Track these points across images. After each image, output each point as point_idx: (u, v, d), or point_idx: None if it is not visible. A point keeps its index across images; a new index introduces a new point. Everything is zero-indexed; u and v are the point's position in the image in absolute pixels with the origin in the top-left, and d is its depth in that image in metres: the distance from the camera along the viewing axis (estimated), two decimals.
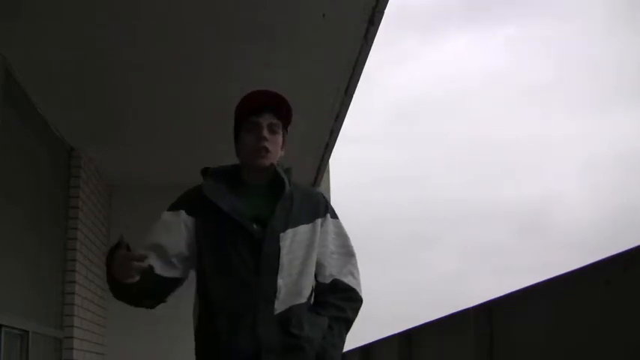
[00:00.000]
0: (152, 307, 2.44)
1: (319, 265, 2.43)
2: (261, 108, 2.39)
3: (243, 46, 4.67)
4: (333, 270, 2.44)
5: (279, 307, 2.29)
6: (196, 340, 2.38)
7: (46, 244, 5.79)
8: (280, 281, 2.29)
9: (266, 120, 2.39)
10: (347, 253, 2.49)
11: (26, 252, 5.34)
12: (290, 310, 2.30)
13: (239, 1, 4.21)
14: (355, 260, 2.51)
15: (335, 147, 6.90)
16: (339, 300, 2.42)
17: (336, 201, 8.14)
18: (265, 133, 2.37)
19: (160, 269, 2.31)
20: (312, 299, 2.44)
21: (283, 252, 2.31)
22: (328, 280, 2.43)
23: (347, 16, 4.31)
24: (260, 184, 2.42)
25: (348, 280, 2.46)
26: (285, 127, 2.45)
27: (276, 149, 2.42)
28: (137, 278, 2.15)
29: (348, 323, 2.44)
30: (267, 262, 2.29)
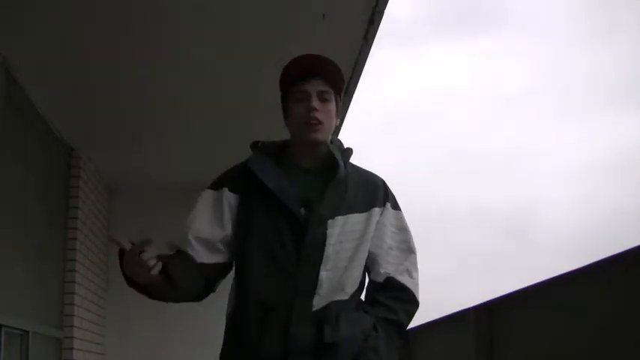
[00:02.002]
0: (200, 299, 2.18)
1: (373, 261, 2.16)
2: (308, 74, 2.15)
3: (244, 46, 4.67)
4: (389, 267, 2.16)
5: (319, 303, 2.04)
6: (226, 329, 2.17)
7: (46, 244, 5.78)
8: (323, 274, 2.04)
9: (314, 87, 2.13)
10: (407, 249, 2.21)
11: (26, 252, 5.33)
12: (328, 308, 2.05)
13: (239, 1, 4.21)
14: (415, 258, 2.23)
15: None
16: (391, 300, 2.13)
17: None
18: (315, 102, 2.11)
19: (202, 256, 2.10)
20: (361, 297, 2.18)
21: (330, 241, 2.05)
22: (382, 279, 2.15)
23: (347, 16, 4.31)
24: (314, 163, 2.16)
25: (403, 279, 2.17)
26: (338, 94, 2.19)
27: (329, 120, 2.14)
28: (156, 273, 1.93)
29: (399, 327, 2.15)
30: (309, 250, 2.04)
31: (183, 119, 5.95)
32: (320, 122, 2.10)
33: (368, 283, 2.19)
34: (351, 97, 5.57)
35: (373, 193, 2.17)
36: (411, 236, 2.23)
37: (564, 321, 2.78)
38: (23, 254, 5.27)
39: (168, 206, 7.58)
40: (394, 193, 2.25)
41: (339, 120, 2.20)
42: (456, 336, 4.15)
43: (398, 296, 2.15)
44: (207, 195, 2.17)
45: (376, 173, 2.28)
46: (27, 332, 5.00)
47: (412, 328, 5.13)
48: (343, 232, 2.08)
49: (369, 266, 2.17)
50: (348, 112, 5.96)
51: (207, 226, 2.13)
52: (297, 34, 4.56)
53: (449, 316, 4.25)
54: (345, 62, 4.92)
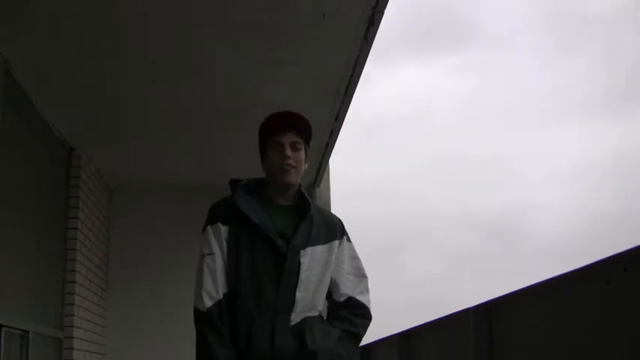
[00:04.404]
0: None
1: (334, 284, 2.62)
2: (283, 127, 2.57)
3: (244, 46, 4.67)
4: (347, 290, 2.64)
5: (295, 318, 2.47)
6: None
7: (46, 244, 5.79)
8: (298, 295, 2.48)
9: (288, 139, 2.56)
10: (360, 274, 2.69)
11: (26, 252, 5.34)
12: (304, 322, 2.49)
13: (239, 1, 4.21)
14: (367, 282, 2.71)
15: (334, 148, 6.90)
16: (353, 315, 2.62)
17: (334, 202, 8.14)
18: (288, 151, 2.54)
19: (226, 287, 2.48)
20: (325, 315, 2.65)
21: (303, 267, 2.49)
22: (343, 299, 2.63)
23: (347, 16, 4.31)
24: (286, 202, 2.60)
25: (362, 298, 2.66)
26: (306, 143, 2.62)
27: (300, 165, 2.59)
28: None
29: (357, 339, 2.64)
30: (288, 275, 2.47)
31: (183, 120, 5.96)
32: (292, 167, 2.56)
33: (330, 303, 2.66)
34: (351, 97, 5.57)
35: (332, 229, 2.65)
36: (362, 264, 2.72)
37: (564, 321, 2.78)
38: (23, 254, 5.27)
39: (167, 206, 7.59)
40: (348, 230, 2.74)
41: (307, 164, 2.65)
42: (455, 336, 4.15)
43: (358, 313, 2.65)
44: (210, 233, 2.53)
45: (333, 212, 2.84)
46: (27, 332, 5.01)
47: (412, 328, 5.13)
48: (312, 260, 2.53)
49: (332, 288, 2.63)
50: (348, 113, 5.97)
51: (220, 260, 2.50)
52: (297, 34, 4.57)
53: (448, 317, 4.25)
54: (345, 62, 4.93)
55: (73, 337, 5.99)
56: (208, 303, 2.44)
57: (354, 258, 2.70)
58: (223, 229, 2.51)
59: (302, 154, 2.60)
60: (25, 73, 4.92)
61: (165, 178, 7.43)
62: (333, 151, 6.99)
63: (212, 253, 2.49)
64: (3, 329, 4.47)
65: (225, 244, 2.50)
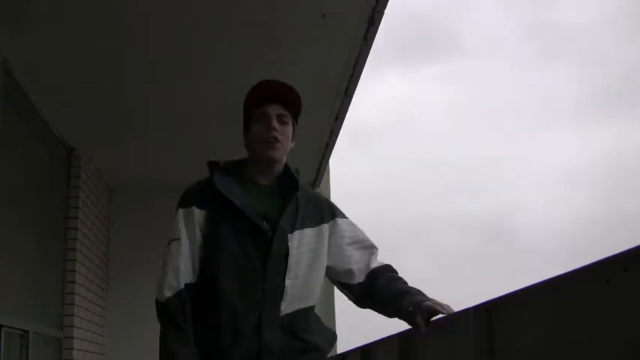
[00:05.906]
0: None
1: (346, 272, 2.41)
2: (270, 98, 2.35)
3: (244, 46, 4.67)
4: (361, 266, 2.42)
5: (286, 308, 2.24)
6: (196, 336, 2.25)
7: (46, 244, 5.79)
8: (288, 282, 2.24)
9: (275, 110, 2.33)
10: (368, 246, 2.47)
11: (26, 252, 5.34)
12: (296, 314, 2.26)
13: (239, 1, 4.21)
14: (377, 252, 2.49)
15: (335, 148, 6.90)
16: (394, 274, 2.44)
17: (334, 202, 8.13)
18: (274, 123, 2.31)
19: (193, 276, 2.24)
20: (356, 298, 2.45)
21: (292, 253, 2.26)
22: (363, 277, 2.41)
23: (347, 16, 4.31)
24: (269, 181, 2.36)
25: (380, 263, 2.45)
26: (294, 119, 2.38)
27: (286, 141, 2.34)
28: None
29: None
30: (275, 261, 2.23)
31: (183, 120, 5.96)
32: (278, 141, 2.30)
33: (354, 287, 2.42)
34: (351, 97, 5.57)
35: (320, 210, 2.40)
36: (366, 235, 2.49)
37: (564, 321, 2.78)
38: (23, 254, 5.27)
39: (167, 206, 7.58)
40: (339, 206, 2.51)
41: (293, 143, 2.39)
42: (455, 337, 4.14)
43: (391, 270, 2.45)
44: (180, 216, 2.31)
45: (319, 192, 2.56)
46: (27, 332, 5.01)
47: (412, 329, 5.11)
48: (300, 245, 2.29)
49: (345, 276, 2.42)
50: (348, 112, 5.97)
51: (189, 246, 2.26)
52: (297, 34, 4.57)
53: (448, 317, 4.24)
54: (345, 62, 4.93)
55: (73, 337, 5.99)
56: (167, 293, 2.19)
57: (355, 232, 2.46)
58: (198, 214, 2.27)
59: (289, 129, 2.35)
60: (25, 73, 4.92)
61: (165, 178, 7.41)
62: (333, 151, 6.99)
63: (177, 239, 2.25)
64: (3, 329, 4.47)
65: (198, 230, 2.25)
